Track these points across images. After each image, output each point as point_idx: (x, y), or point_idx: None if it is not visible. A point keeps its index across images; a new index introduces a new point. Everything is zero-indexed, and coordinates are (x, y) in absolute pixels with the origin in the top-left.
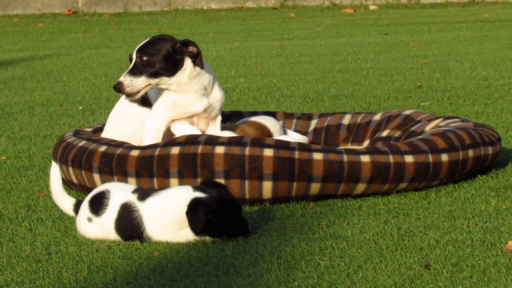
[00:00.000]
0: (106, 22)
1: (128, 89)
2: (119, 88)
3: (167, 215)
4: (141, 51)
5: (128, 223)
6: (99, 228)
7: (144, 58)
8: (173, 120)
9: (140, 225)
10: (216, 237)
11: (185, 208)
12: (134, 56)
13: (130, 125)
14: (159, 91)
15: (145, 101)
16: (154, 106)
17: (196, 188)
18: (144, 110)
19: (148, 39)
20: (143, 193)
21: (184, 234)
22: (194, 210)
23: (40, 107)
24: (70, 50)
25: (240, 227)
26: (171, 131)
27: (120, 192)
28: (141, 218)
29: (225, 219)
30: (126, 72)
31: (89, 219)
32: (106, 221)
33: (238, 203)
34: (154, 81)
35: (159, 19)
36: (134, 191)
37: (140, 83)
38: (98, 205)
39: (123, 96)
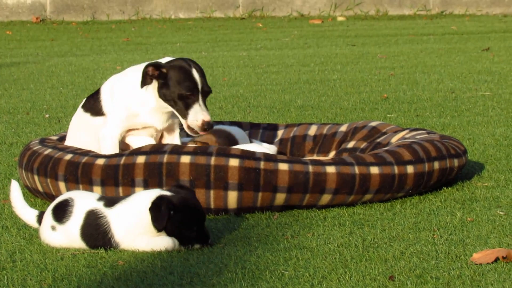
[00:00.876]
0: (74, 30)
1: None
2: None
3: (135, 218)
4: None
5: (95, 230)
6: (63, 236)
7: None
8: (129, 130)
9: (107, 232)
10: (176, 239)
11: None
12: (206, 89)
13: (87, 134)
14: (117, 101)
15: (97, 110)
16: (109, 116)
17: (163, 190)
18: (97, 119)
19: (198, 68)
20: (109, 200)
21: (150, 241)
22: (156, 206)
23: (7, 115)
24: (38, 58)
25: (201, 235)
26: (126, 142)
27: (84, 200)
28: (109, 224)
29: (187, 220)
30: (203, 107)
31: (53, 228)
32: (71, 228)
33: (202, 210)
34: None
35: (126, 28)
36: (100, 199)
37: None
38: (62, 212)
39: (80, 106)
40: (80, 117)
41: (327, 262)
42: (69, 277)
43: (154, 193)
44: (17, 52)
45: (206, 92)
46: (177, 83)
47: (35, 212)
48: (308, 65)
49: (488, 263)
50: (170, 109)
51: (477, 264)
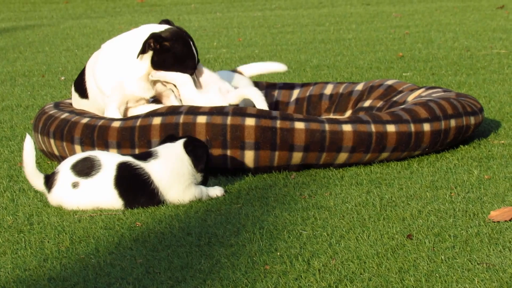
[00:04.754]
0: None
1: None
2: None
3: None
4: None
5: (133, 181)
6: (88, 191)
7: None
8: (127, 104)
9: (150, 183)
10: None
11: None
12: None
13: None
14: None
15: (82, 92)
16: (102, 96)
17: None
18: (83, 101)
19: (193, 42)
20: (140, 155)
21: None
22: (192, 148)
23: (22, 78)
24: (52, 21)
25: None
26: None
27: (108, 155)
28: (149, 176)
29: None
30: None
31: (75, 185)
32: (102, 181)
33: None
34: None
35: None
36: (124, 155)
37: None
38: (87, 167)
39: (73, 82)
40: (74, 95)
41: (345, 222)
42: (87, 239)
43: (180, 142)
44: (32, 15)
45: (198, 65)
46: (179, 59)
47: (42, 175)
48: (323, 25)
49: (505, 220)
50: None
51: (494, 222)
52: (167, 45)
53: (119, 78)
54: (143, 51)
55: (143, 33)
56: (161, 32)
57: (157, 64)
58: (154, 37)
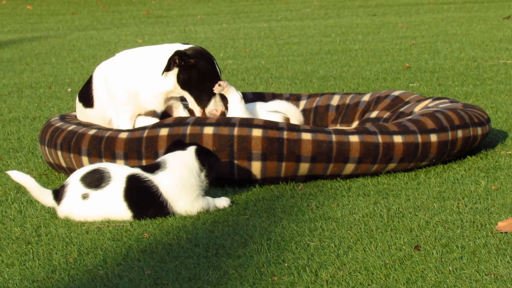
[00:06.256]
0: (94, 4)
1: None
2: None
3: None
4: None
5: (142, 193)
6: (98, 203)
7: None
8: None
9: (158, 195)
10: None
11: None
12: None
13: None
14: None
15: (88, 101)
16: (112, 106)
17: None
18: (88, 110)
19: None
20: (148, 167)
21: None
22: (203, 157)
23: (29, 89)
24: (59, 32)
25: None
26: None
27: (118, 167)
28: (158, 189)
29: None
30: (219, 97)
31: (85, 196)
32: (112, 192)
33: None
34: None
35: (147, 1)
36: (133, 167)
37: None
38: (97, 179)
39: (78, 93)
40: (77, 105)
41: (352, 233)
42: (95, 250)
43: (190, 149)
44: (38, 26)
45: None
46: (206, 76)
47: (49, 191)
48: (329, 36)
49: None
50: (181, 94)
51: (502, 233)
52: (191, 62)
53: (136, 89)
54: (168, 68)
55: (166, 49)
56: (185, 49)
57: (183, 81)
58: (178, 54)
